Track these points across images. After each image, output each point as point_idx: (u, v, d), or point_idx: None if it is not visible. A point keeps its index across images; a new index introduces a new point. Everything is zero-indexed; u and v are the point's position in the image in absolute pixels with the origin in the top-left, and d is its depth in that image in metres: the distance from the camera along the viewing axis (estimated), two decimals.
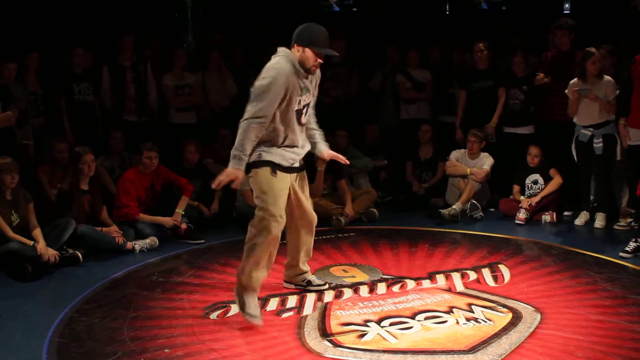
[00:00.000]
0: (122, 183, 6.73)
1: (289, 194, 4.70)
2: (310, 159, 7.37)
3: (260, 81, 4.39)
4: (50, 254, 5.75)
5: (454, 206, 7.44)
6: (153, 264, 6.04)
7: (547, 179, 7.46)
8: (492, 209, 7.79)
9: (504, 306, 4.75)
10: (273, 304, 4.87)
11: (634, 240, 6.04)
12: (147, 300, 5.04)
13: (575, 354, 4.00)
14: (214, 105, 8.35)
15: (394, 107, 8.85)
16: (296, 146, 4.65)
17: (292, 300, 4.94)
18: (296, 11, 10.34)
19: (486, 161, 7.69)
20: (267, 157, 4.54)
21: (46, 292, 5.37)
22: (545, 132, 7.58)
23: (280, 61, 4.46)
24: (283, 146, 4.58)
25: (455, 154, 7.90)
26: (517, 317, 4.54)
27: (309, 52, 4.44)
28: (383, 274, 5.54)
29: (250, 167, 4.54)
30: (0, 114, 6.38)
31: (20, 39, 7.83)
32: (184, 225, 6.73)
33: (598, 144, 6.82)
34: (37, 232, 5.87)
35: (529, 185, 7.54)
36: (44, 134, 7.31)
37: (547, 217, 7.30)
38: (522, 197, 7.44)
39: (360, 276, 5.50)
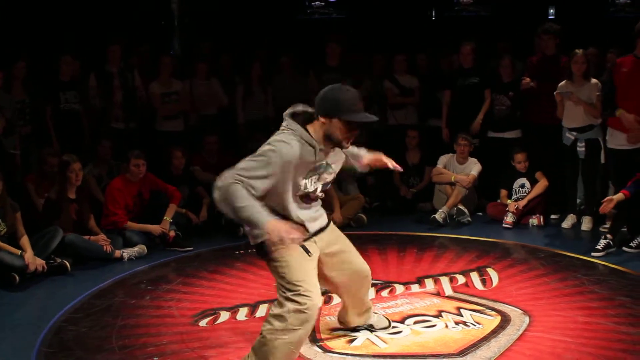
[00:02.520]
0: (110, 191, 6.72)
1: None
2: None
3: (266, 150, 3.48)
4: (38, 263, 5.73)
5: (441, 210, 7.49)
6: (141, 272, 6.03)
7: (534, 183, 7.50)
8: (480, 213, 7.84)
9: (493, 309, 4.77)
10: (262, 310, 4.87)
11: (603, 237, 6.12)
12: (135, 309, 5.03)
13: (564, 356, 4.02)
14: (202, 111, 8.36)
15: (379, 113, 8.89)
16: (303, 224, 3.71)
17: None
18: (283, 19, 10.39)
19: (474, 167, 7.73)
20: None
21: (34, 302, 5.35)
22: (532, 135, 7.63)
23: (287, 138, 3.52)
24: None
25: (443, 159, 7.92)
26: (505, 320, 4.56)
27: (337, 124, 3.54)
28: (372, 279, 5.53)
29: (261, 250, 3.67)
30: None
31: (7, 48, 7.82)
32: (172, 233, 6.73)
33: (581, 148, 6.89)
34: (25, 241, 5.83)
35: (516, 189, 7.58)
36: (30, 143, 7.31)
37: (534, 221, 7.34)
38: (509, 201, 7.49)
39: None
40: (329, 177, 3.76)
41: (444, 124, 8.21)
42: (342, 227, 7.23)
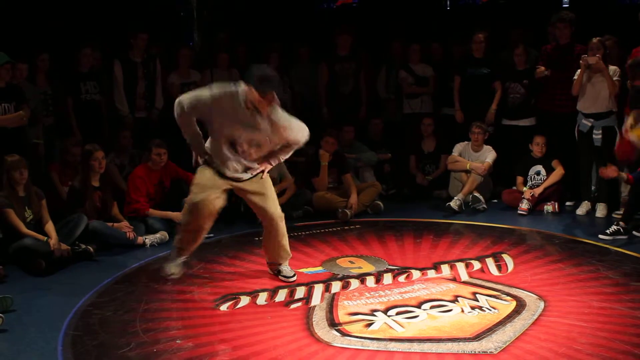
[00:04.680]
0: (132, 179, 6.81)
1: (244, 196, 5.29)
2: (315, 154, 7.51)
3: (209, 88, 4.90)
4: (63, 249, 5.84)
5: (456, 197, 7.54)
6: (163, 257, 6.03)
7: (550, 170, 7.54)
8: (495, 200, 7.88)
9: (508, 294, 4.83)
10: (282, 295, 4.96)
11: (615, 223, 6.17)
12: (158, 293, 5.12)
13: (579, 340, 4.06)
14: None
15: (396, 102, 8.94)
16: (228, 169, 5.06)
17: (300, 292, 5.03)
18: (299, 9, 10.41)
19: (489, 155, 7.77)
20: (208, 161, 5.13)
21: (60, 287, 5.43)
22: (546, 123, 7.65)
23: (227, 86, 4.85)
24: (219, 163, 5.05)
25: (458, 147, 7.97)
26: (521, 305, 4.62)
27: (252, 91, 4.70)
28: (389, 265, 5.62)
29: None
30: (13, 114, 6.48)
31: (30, 40, 7.90)
32: None
33: (597, 135, 6.91)
34: (50, 228, 5.94)
35: (532, 176, 7.62)
36: (53, 133, 7.42)
37: (549, 207, 7.38)
38: (524, 188, 7.53)
39: (367, 267, 5.59)
40: (256, 138, 4.88)
41: (457, 107, 8.25)
42: (359, 214, 7.38)
